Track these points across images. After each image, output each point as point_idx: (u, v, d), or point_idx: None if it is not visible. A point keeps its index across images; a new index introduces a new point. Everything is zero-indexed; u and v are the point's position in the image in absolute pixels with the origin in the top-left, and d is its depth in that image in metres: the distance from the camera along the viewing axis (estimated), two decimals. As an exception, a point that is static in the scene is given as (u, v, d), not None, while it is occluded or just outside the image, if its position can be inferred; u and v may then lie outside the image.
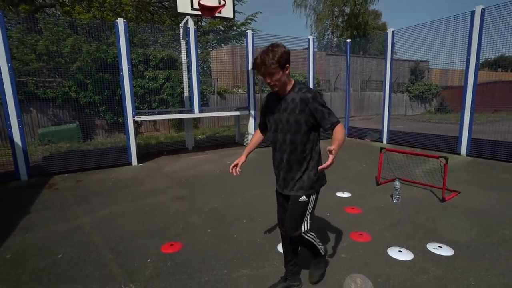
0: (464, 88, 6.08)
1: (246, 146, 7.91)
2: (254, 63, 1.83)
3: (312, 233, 2.04)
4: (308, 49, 8.18)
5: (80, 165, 5.77)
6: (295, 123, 1.86)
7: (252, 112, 7.58)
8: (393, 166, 5.21)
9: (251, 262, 2.50)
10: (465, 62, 5.99)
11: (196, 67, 6.57)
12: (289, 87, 1.90)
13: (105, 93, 9.24)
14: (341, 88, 16.44)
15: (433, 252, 2.60)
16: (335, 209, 3.64)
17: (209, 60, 14.84)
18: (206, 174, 5.36)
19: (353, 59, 17.42)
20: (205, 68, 15.78)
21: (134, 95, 9.65)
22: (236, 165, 2.19)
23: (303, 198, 1.89)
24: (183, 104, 9.73)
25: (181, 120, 10.58)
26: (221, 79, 13.06)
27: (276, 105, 1.95)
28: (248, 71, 7.41)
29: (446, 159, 3.70)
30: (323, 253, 2.17)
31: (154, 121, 10.62)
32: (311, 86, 8.24)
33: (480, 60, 5.87)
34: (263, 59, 1.79)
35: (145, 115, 7.02)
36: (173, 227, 3.21)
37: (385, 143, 8.03)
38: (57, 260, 2.58)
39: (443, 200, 3.79)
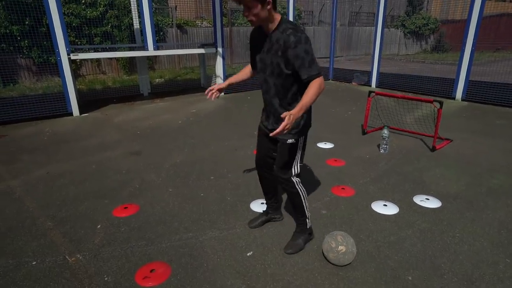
0: (467, 21, 6.06)
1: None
2: None
3: (303, 188, 2.17)
4: (288, -32, 7.60)
5: (1, 117, 5.31)
6: (277, 66, 1.90)
7: (220, 50, 7.19)
8: (381, 113, 5.31)
9: (220, 223, 2.53)
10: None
11: (146, -12, 5.92)
12: (273, 25, 1.90)
13: (26, 22, 8.23)
14: (326, 21, 15.93)
15: (419, 205, 2.76)
16: (316, 161, 3.70)
17: (165, -19, 13.51)
18: (165, 125, 5.19)
19: (342, -15, 16.66)
20: (160, -7, 14.40)
21: (68, 26, 8.73)
22: (211, 90, 2.21)
23: (291, 140, 2.02)
24: (133, 39, 9.02)
25: (132, 60, 9.89)
26: (180, 8, 12.06)
27: (260, 43, 1.99)
28: (214, -4, 6.83)
29: (441, 103, 3.78)
30: (308, 226, 2.26)
31: (98, 60, 9.84)
32: (290, 18, 7.85)
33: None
34: None
35: (84, 52, 6.42)
36: (127, 187, 3.13)
37: (374, 87, 8.11)
38: (-18, 231, 2.44)
39: (433, 149, 3.97)
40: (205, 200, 2.89)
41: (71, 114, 5.68)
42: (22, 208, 2.79)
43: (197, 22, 12.36)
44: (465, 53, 6.18)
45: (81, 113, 5.79)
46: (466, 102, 6.31)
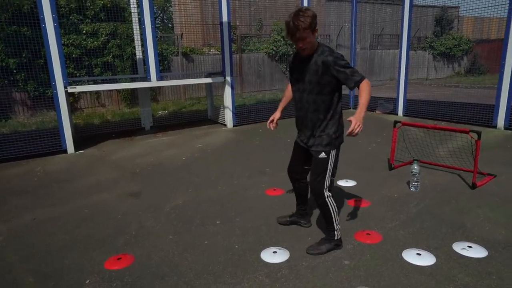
0: (504, 41, 6.09)
1: (221, 123, 7.84)
2: (287, 28, 2.37)
3: (333, 202, 2.65)
4: (301, -8, 7.94)
5: (-6, 155, 5.49)
6: (317, 84, 2.47)
7: (228, 78, 7.39)
8: (410, 145, 5.24)
9: (226, 277, 2.46)
10: (507, 5, 5.95)
11: (151, 17, 6.26)
12: (313, 49, 2.48)
13: (24, 55, 8.74)
14: (344, 45, 16.31)
15: (460, 254, 2.63)
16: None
17: (170, 9, 14.31)
18: (168, 162, 5.25)
19: (361, 7, 17.22)
20: (166, 20, 15.23)
21: (67, 57, 9.22)
22: (272, 121, 2.88)
23: (323, 154, 2.55)
24: (135, 69, 9.40)
25: (134, 91, 10.26)
26: (186, 35, 12.64)
27: (300, 66, 2.58)
28: (222, 23, 7.14)
29: (479, 133, 3.71)
30: (336, 237, 2.70)
31: (97, 93, 10.25)
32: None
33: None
34: (297, 25, 2.31)
35: (83, 84, 6.72)
36: (122, 234, 3.11)
37: (401, 115, 8.09)
38: (-41, 285, 2.45)
39: (474, 186, 3.84)
40: (210, 248, 2.84)
41: (65, 151, 5.83)
42: (2, 261, 2.79)
43: (204, 49, 12.88)
44: (504, 75, 6.15)
45: (76, 150, 5.94)
46: (510, 131, 6.19)
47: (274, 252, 2.71)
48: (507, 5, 5.95)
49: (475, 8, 8.43)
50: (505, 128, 6.28)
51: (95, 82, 8.20)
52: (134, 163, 5.27)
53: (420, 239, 2.88)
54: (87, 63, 9.71)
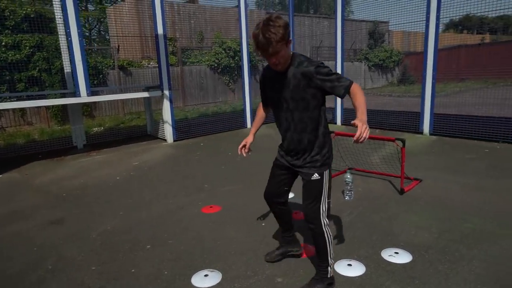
0: (424, 54, 6.59)
1: (161, 139, 7.58)
2: (256, 43, 2.02)
3: (329, 232, 2.33)
4: (239, 6, 8.01)
5: None
6: (302, 100, 2.17)
7: (166, 92, 7.20)
8: (345, 154, 5.42)
9: (152, 308, 2.29)
10: (424, 21, 6.46)
11: (78, 28, 5.92)
12: (287, 62, 2.15)
13: None
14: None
15: (388, 261, 2.71)
16: (271, 216, 3.60)
17: (106, 20, 13.77)
18: (99, 183, 4.92)
19: (299, 20, 17.89)
20: (102, 32, 14.62)
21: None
22: (244, 146, 2.54)
23: (315, 176, 2.25)
24: (65, 84, 8.83)
25: (65, 107, 9.61)
26: (124, 48, 12.19)
27: (276, 82, 2.24)
28: (157, 35, 6.96)
29: (403, 141, 3.92)
30: (329, 275, 2.38)
31: (22, 110, 9.46)
32: (244, 55, 8.15)
33: (445, 20, 6.41)
34: (268, 38, 1.97)
35: (3, 101, 6.14)
36: (37, 270, 2.81)
37: (339, 124, 8.41)
38: None
39: (402, 191, 4.03)
40: (136, 277, 2.65)
41: (-20, 176, 5.26)
42: None
43: (143, 62, 12.49)
44: (426, 85, 6.64)
45: (-6, 174, 5.38)
46: (434, 136, 6.66)
47: (206, 275, 2.60)
48: (424, 21, 6.46)
49: (401, 23, 9.07)
50: (430, 134, 6.75)
51: (19, 98, 7.54)
52: (60, 186, 4.87)
53: (351, 249, 2.92)
54: (8, 77, 8.93)
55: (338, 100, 8.34)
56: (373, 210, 3.65)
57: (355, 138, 1.92)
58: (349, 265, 2.66)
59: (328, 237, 2.30)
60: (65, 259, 2.96)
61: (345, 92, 2.09)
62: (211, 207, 3.91)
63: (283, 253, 2.75)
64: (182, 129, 7.93)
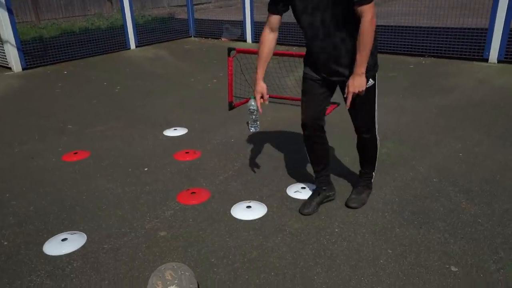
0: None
1: (3, 66, 6.79)
2: None
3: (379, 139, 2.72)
4: None
5: None
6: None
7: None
8: (250, 78, 5.44)
9: (-11, 288, 2.15)
10: None
11: None
12: None
13: None
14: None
15: (293, 198, 2.88)
16: (159, 157, 3.60)
17: None
18: None
19: None
20: None
21: None
22: (261, 97, 2.66)
23: (370, 81, 2.39)
24: None
25: None
26: None
27: None
28: None
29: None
30: (372, 179, 2.87)
31: None
32: None
33: None
34: None
35: None
36: None
37: (250, 42, 8.36)
38: None
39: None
40: (-37, 253, 2.44)
41: None
42: None
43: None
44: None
45: None
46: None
47: (64, 239, 2.49)
48: None
49: None
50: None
51: None
52: None
53: (253, 188, 3.04)
54: None
55: (247, 10, 8.21)
56: (282, 143, 3.79)
57: (348, 103, 2.37)
58: (249, 207, 2.76)
59: (378, 144, 2.73)
60: None
61: (357, 2, 2.11)
62: (75, 153, 3.71)
63: (321, 201, 2.77)
64: (35, 52, 7.23)
